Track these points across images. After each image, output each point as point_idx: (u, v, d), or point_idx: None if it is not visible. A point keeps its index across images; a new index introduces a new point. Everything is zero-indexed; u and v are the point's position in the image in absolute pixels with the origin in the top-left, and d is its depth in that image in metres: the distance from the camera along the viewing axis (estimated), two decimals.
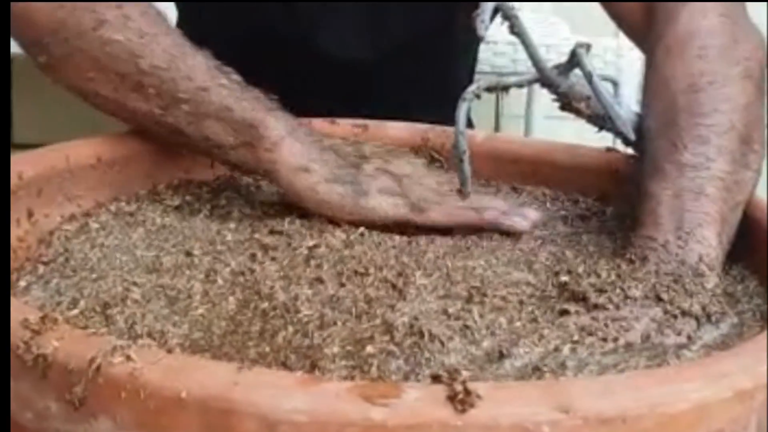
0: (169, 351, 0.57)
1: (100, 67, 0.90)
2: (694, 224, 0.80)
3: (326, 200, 0.87)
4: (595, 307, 0.72)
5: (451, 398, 0.53)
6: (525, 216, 0.90)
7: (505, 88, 0.89)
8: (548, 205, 0.99)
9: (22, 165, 0.83)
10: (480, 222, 0.89)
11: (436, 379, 0.55)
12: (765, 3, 0.92)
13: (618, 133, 0.91)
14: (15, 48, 1.88)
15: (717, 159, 0.83)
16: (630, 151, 0.94)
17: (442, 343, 0.66)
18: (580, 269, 0.78)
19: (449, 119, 1.08)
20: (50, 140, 0.91)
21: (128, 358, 0.55)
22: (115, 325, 0.67)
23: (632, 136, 0.88)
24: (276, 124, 0.88)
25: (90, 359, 0.55)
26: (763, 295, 0.80)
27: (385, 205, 0.88)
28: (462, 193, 0.87)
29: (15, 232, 0.81)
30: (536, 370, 0.64)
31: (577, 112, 0.91)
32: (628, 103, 0.92)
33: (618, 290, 0.74)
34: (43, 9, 0.91)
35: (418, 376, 0.62)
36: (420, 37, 1.27)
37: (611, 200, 0.98)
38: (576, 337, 0.68)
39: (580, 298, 0.73)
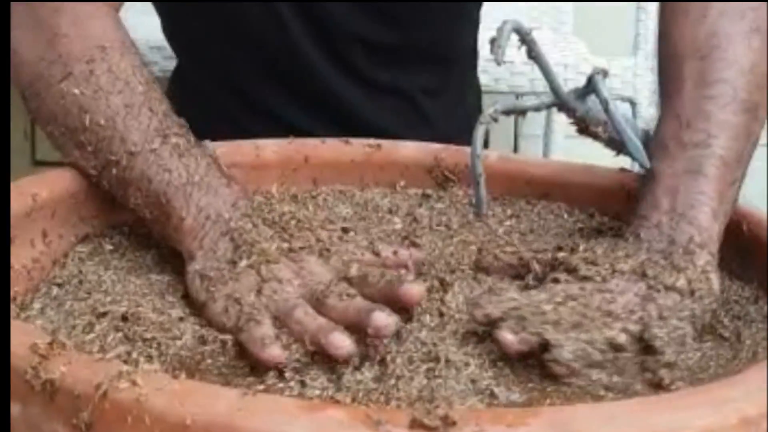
0: (175, 377, 0.57)
1: (55, 120, 0.89)
2: (687, 205, 0.81)
3: (191, 293, 0.78)
4: (584, 278, 0.76)
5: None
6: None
7: (522, 112, 0.90)
8: (565, 216, 1.00)
9: (36, 187, 0.84)
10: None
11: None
12: (765, 3, 0.92)
13: (634, 158, 0.91)
14: None
15: (719, 135, 0.84)
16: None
17: None
18: (581, 247, 0.80)
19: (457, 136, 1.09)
20: None
21: (134, 383, 0.56)
22: (131, 347, 0.68)
23: (647, 164, 0.88)
24: (183, 205, 0.82)
25: (96, 385, 0.56)
26: None
27: (220, 313, 0.74)
28: (478, 215, 0.88)
29: (30, 254, 0.81)
30: (515, 310, 0.70)
31: (595, 136, 0.92)
32: (644, 124, 0.92)
33: (607, 264, 0.76)
34: (27, 61, 0.91)
35: None
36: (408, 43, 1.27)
37: (625, 219, 0.98)
38: (559, 299, 0.72)
39: (572, 269, 0.77)
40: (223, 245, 0.79)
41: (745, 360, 0.73)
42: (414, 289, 0.72)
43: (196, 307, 0.76)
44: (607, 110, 0.87)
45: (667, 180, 0.83)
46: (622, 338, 0.70)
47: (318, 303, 0.73)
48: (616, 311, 0.72)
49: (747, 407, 0.57)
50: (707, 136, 0.84)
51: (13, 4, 0.92)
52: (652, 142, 0.89)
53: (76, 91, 0.88)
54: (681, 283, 0.75)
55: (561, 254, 0.80)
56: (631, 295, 0.74)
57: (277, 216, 0.82)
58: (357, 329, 0.69)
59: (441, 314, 0.75)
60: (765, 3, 0.90)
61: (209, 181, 0.84)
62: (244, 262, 0.77)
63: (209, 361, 0.69)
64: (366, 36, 1.23)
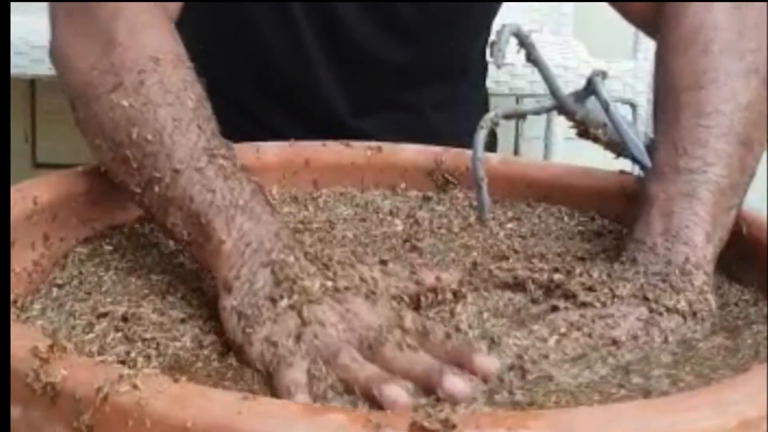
0: (175, 380, 0.57)
1: (103, 133, 0.86)
2: (681, 226, 0.82)
3: (227, 332, 0.73)
4: (584, 305, 0.76)
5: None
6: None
7: (523, 116, 0.90)
8: (566, 219, 1.00)
9: (37, 190, 0.84)
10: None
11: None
12: (765, 3, 0.92)
13: (634, 159, 0.91)
14: (39, 69, 1.91)
15: (715, 163, 0.85)
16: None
17: None
18: (577, 270, 0.80)
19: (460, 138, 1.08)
20: (72, 160, 0.92)
21: (135, 386, 0.56)
22: (131, 348, 0.69)
23: (648, 163, 0.89)
24: (224, 227, 0.77)
25: (97, 388, 0.56)
26: None
27: (256, 358, 0.70)
28: (480, 219, 0.88)
29: (30, 256, 0.82)
30: (519, 358, 0.68)
31: (595, 139, 0.92)
32: (644, 126, 0.93)
33: (606, 289, 0.77)
34: (78, 70, 0.88)
35: None
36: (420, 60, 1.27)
37: (625, 221, 0.98)
38: (563, 330, 0.72)
39: (570, 296, 0.77)
40: (263, 278, 0.74)
41: (748, 357, 0.73)
42: (488, 362, 0.67)
43: (232, 348, 0.72)
44: (607, 111, 0.87)
45: (662, 203, 0.84)
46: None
47: (370, 351, 0.69)
48: (620, 338, 0.73)
49: (747, 409, 0.57)
50: (703, 163, 0.85)
51: (71, 8, 0.91)
52: (651, 143, 0.90)
53: (125, 102, 0.84)
54: (682, 304, 0.76)
55: (557, 276, 0.80)
56: (633, 320, 0.75)
57: (320, 251, 0.78)
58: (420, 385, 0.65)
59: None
60: (764, 48, 0.92)
61: (253, 207, 0.79)
62: (285, 302, 0.71)
63: (200, 364, 0.69)
64: (382, 54, 1.24)
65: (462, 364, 0.67)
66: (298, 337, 0.69)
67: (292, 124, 1.23)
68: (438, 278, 0.79)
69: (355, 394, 0.65)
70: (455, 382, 0.64)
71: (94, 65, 0.87)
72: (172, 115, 0.83)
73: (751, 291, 0.85)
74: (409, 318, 0.71)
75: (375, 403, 0.63)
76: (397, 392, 0.63)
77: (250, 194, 0.80)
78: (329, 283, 0.73)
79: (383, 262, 0.81)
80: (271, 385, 0.67)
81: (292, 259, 0.75)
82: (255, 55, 1.23)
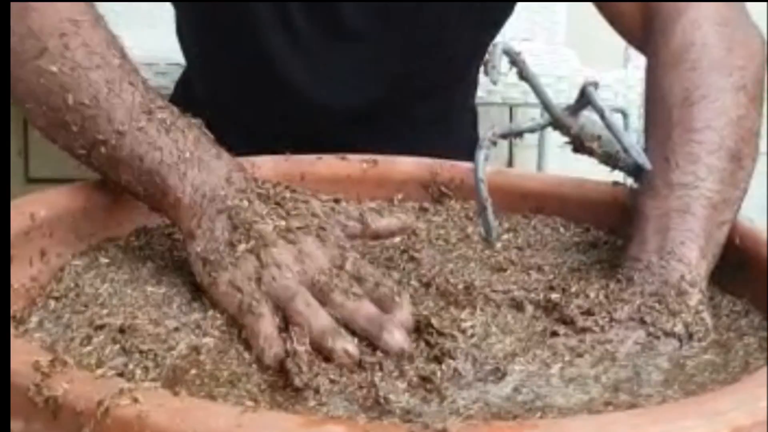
0: (176, 393, 0.58)
1: (36, 99, 0.88)
2: (676, 242, 0.82)
3: (195, 275, 0.81)
4: (582, 330, 0.76)
5: None
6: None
7: (519, 134, 0.90)
8: (561, 230, 1.01)
9: (34, 206, 0.85)
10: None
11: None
12: (765, 3, 0.93)
13: (629, 171, 0.92)
14: None
15: (707, 178, 0.86)
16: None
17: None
18: (573, 288, 0.81)
19: (453, 150, 1.09)
20: (65, 175, 0.93)
21: (135, 400, 0.56)
22: (129, 359, 0.69)
23: (648, 165, 0.88)
24: (178, 183, 0.83)
25: (98, 401, 0.56)
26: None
27: (223, 300, 0.78)
28: (487, 240, 0.89)
29: (28, 272, 0.82)
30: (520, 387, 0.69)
31: (590, 153, 0.92)
32: (636, 134, 0.93)
33: (604, 313, 0.77)
34: None
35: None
36: (417, 73, 1.28)
37: (619, 232, 0.99)
38: (567, 358, 0.73)
39: (569, 321, 0.77)
40: (221, 224, 0.80)
41: (738, 369, 0.74)
42: (393, 341, 0.72)
43: (201, 289, 0.79)
44: (603, 117, 0.87)
45: (656, 219, 0.84)
46: None
47: (321, 294, 0.75)
48: (619, 361, 0.74)
49: (739, 417, 0.58)
50: (695, 178, 0.86)
51: None
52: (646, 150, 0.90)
53: (54, 68, 0.86)
54: (679, 328, 0.77)
55: (554, 295, 0.81)
56: (631, 343, 0.76)
57: (272, 188, 0.83)
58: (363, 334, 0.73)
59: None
60: (751, 64, 0.94)
61: (200, 156, 0.84)
62: (243, 246, 0.78)
63: (194, 371, 0.70)
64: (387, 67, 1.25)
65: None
66: (258, 280, 0.76)
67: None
68: (385, 223, 0.87)
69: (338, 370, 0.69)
70: (394, 339, 0.71)
71: (12, 30, 0.88)
72: (104, 77, 0.86)
73: (743, 302, 0.85)
74: (351, 261, 0.79)
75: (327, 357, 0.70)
76: (344, 346, 0.70)
77: (194, 143, 0.85)
78: (282, 223, 0.80)
79: (336, 201, 0.87)
80: (269, 390, 0.68)
81: (245, 203, 0.81)
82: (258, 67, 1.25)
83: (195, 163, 0.84)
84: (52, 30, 0.87)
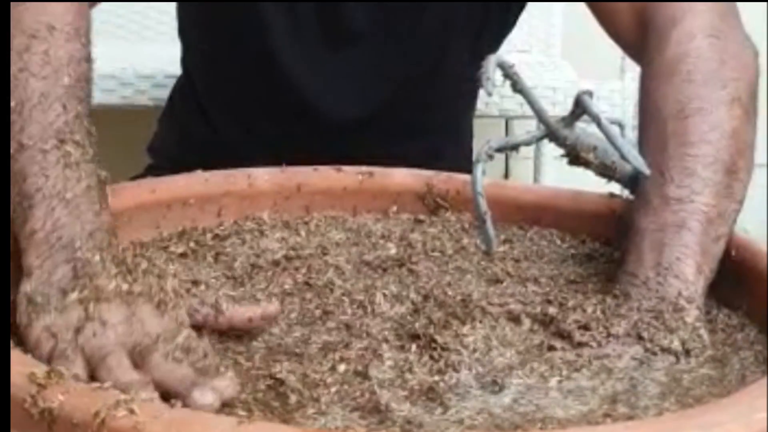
0: (171, 405, 0.58)
1: None
2: (673, 258, 0.82)
3: (17, 312, 0.74)
4: (579, 345, 0.76)
5: None
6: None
7: (515, 147, 0.90)
8: (558, 242, 1.01)
9: None
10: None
11: None
12: (765, 3, 0.93)
13: (626, 183, 0.92)
14: None
15: (702, 192, 0.86)
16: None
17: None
18: (570, 302, 0.81)
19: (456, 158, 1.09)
20: None
21: (131, 411, 0.56)
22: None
23: (647, 171, 0.88)
24: (41, 217, 0.78)
25: (94, 413, 0.57)
26: (764, 342, 0.81)
27: (34, 345, 0.71)
28: (487, 253, 0.89)
29: None
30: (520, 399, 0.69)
31: (586, 164, 0.92)
32: (632, 145, 0.93)
33: (601, 328, 0.77)
34: None
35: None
36: (414, 82, 1.28)
37: (615, 244, 0.99)
38: (565, 372, 0.73)
39: (566, 336, 0.77)
40: (62, 272, 0.75)
41: (735, 383, 0.74)
42: (203, 399, 0.66)
43: (16, 331, 0.73)
44: (599, 125, 0.87)
45: (652, 235, 0.84)
46: None
47: (140, 356, 0.70)
48: (616, 375, 0.74)
49: (737, 429, 0.58)
50: (690, 192, 0.85)
51: None
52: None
53: (14, 69, 0.84)
54: (675, 344, 0.77)
55: (551, 309, 0.81)
56: (628, 359, 0.76)
57: (130, 258, 0.78)
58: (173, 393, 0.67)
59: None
60: (744, 76, 0.94)
61: (79, 203, 0.79)
62: (74, 295, 0.73)
63: None
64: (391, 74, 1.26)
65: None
66: (77, 331, 0.70)
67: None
68: (250, 317, 0.79)
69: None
70: (202, 397, 0.66)
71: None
72: (42, 89, 0.84)
73: (739, 315, 0.85)
74: (184, 335, 0.72)
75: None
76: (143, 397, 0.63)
77: (84, 189, 0.80)
78: (125, 286, 0.74)
79: (195, 283, 0.84)
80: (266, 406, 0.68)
81: (97, 258, 0.76)
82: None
83: (69, 207, 0.79)
84: (25, 28, 0.86)
